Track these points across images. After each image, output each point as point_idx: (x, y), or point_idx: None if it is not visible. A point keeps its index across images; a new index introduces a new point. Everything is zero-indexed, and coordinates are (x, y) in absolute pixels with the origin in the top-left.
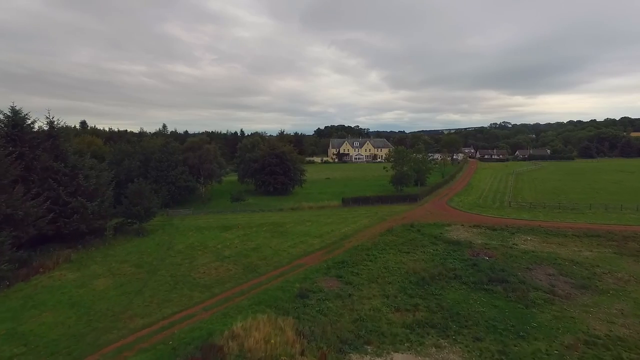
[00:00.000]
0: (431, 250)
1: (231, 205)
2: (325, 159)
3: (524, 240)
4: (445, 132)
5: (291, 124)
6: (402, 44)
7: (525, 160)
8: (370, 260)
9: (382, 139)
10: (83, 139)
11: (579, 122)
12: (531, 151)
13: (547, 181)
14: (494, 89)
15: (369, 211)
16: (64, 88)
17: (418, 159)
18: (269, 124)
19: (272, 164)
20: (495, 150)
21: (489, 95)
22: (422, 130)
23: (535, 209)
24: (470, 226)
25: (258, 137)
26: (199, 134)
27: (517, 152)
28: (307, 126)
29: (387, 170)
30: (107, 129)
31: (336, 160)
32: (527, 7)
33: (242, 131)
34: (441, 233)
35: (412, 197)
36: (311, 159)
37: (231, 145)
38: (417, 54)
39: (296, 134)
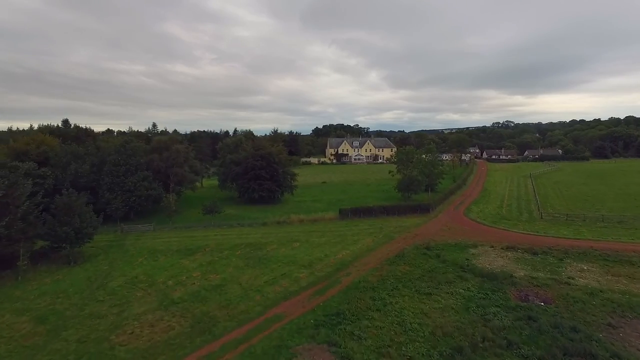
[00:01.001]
0: (461, 290)
1: (204, 218)
2: (322, 159)
3: (581, 272)
4: (446, 132)
5: (290, 124)
6: (402, 43)
7: (536, 161)
8: (377, 309)
9: (383, 139)
10: (33, 137)
11: (582, 120)
12: (542, 151)
13: (571, 185)
14: (493, 88)
15: (373, 226)
16: (63, 88)
17: (428, 161)
18: (268, 123)
19: (256, 167)
20: (503, 150)
21: (489, 95)
22: (422, 130)
23: (574, 222)
24: (502, 248)
25: (241, 136)
26: (189, 133)
27: (526, 152)
28: (307, 126)
29: (392, 175)
30: (96, 129)
31: (334, 161)
32: (529, 6)
33: (235, 130)
34: (467, 259)
35: (423, 207)
36: (307, 159)
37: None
38: (418, 54)
39: (291, 132)
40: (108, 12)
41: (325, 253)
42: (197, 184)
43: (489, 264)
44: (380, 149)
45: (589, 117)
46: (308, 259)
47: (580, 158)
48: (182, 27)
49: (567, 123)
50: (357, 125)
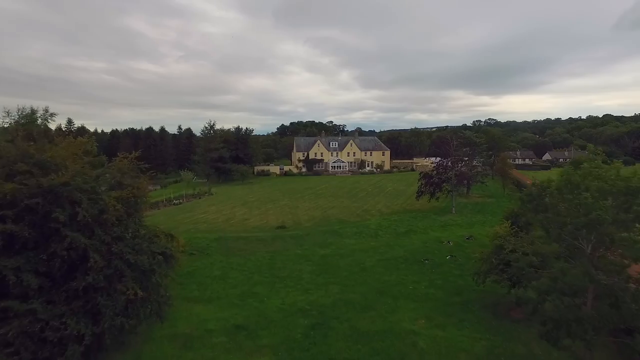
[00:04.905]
0: None
1: None
2: (287, 168)
3: None
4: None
5: (260, 124)
6: (376, 42)
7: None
8: None
9: (372, 138)
10: None
11: (558, 119)
12: (568, 153)
13: None
14: (461, 88)
15: None
16: (14, 85)
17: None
18: (237, 123)
19: None
20: (518, 153)
21: (457, 95)
22: (392, 130)
23: None
24: None
25: None
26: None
27: (546, 154)
28: (277, 126)
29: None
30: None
31: (304, 169)
32: (501, 7)
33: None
34: None
35: None
36: (265, 168)
37: None
38: (391, 53)
39: (238, 129)
40: (63, 2)
41: None
42: None
43: None
44: (368, 153)
45: (549, 117)
46: None
47: (622, 162)
48: (146, 22)
49: (542, 121)
50: (332, 122)
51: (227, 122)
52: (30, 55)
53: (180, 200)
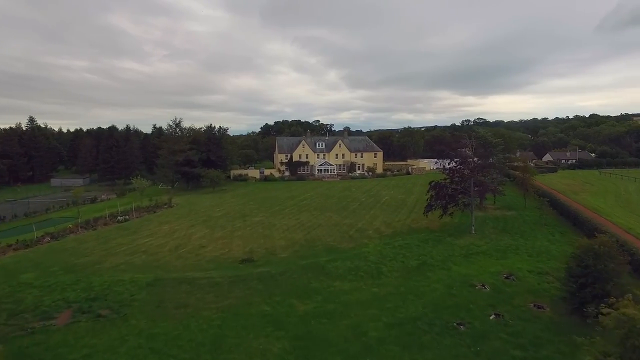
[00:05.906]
0: None
1: None
2: (268, 172)
3: None
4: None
5: (247, 124)
6: (363, 42)
7: (575, 169)
8: None
9: (362, 138)
10: None
11: (545, 119)
12: (572, 154)
13: None
14: (447, 89)
15: None
16: None
17: None
18: (223, 123)
19: None
20: (518, 154)
21: (443, 95)
22: (379, 130)
23: None
24: None
25: None
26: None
27: (546, 155)
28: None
29: None
30: None
31: (287, 173)
32: (488, 7)
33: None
34: None
35: None
36: (243, 172)
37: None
38: (377, 53)
39: (210, 128)
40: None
41: None
42: None
43: None
44: (359, 154)
45: (533, 117)
46: None
47: (633, 164)
48: (130, 19)
49: (530, 121)
50: (318, 121)
51: (213, 122)
52: (10, 54)
53: (127, 216)
